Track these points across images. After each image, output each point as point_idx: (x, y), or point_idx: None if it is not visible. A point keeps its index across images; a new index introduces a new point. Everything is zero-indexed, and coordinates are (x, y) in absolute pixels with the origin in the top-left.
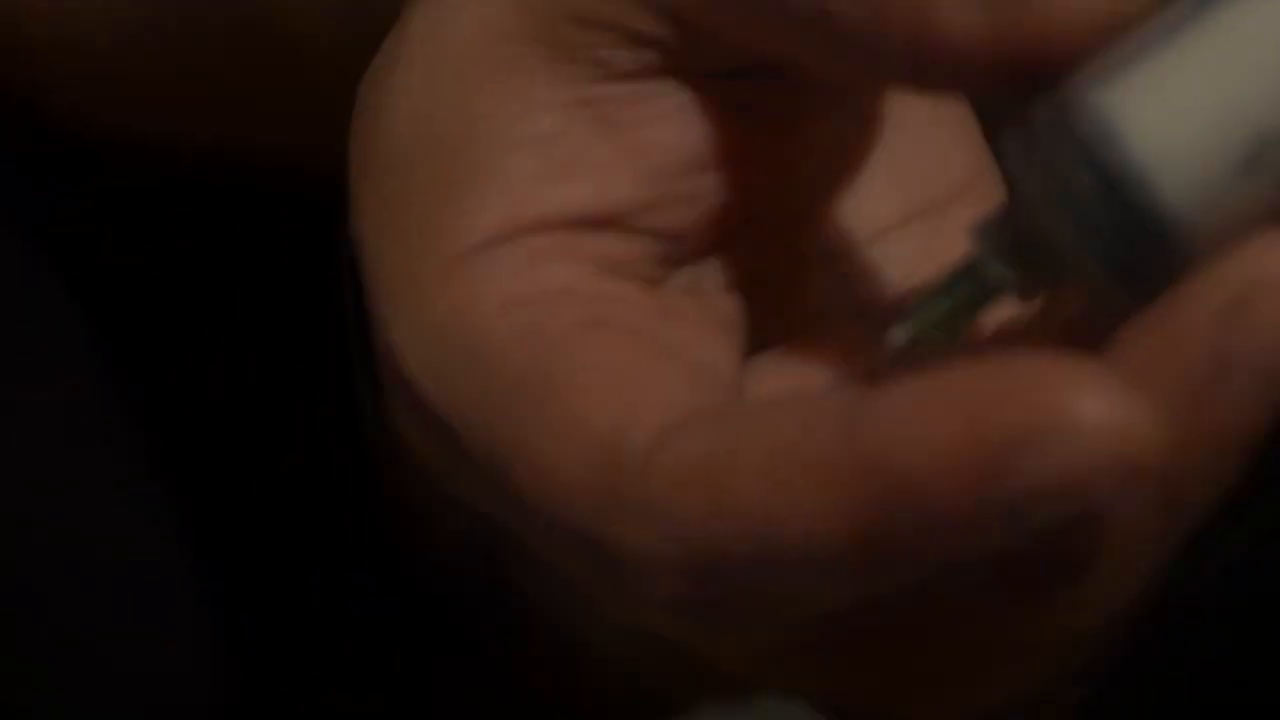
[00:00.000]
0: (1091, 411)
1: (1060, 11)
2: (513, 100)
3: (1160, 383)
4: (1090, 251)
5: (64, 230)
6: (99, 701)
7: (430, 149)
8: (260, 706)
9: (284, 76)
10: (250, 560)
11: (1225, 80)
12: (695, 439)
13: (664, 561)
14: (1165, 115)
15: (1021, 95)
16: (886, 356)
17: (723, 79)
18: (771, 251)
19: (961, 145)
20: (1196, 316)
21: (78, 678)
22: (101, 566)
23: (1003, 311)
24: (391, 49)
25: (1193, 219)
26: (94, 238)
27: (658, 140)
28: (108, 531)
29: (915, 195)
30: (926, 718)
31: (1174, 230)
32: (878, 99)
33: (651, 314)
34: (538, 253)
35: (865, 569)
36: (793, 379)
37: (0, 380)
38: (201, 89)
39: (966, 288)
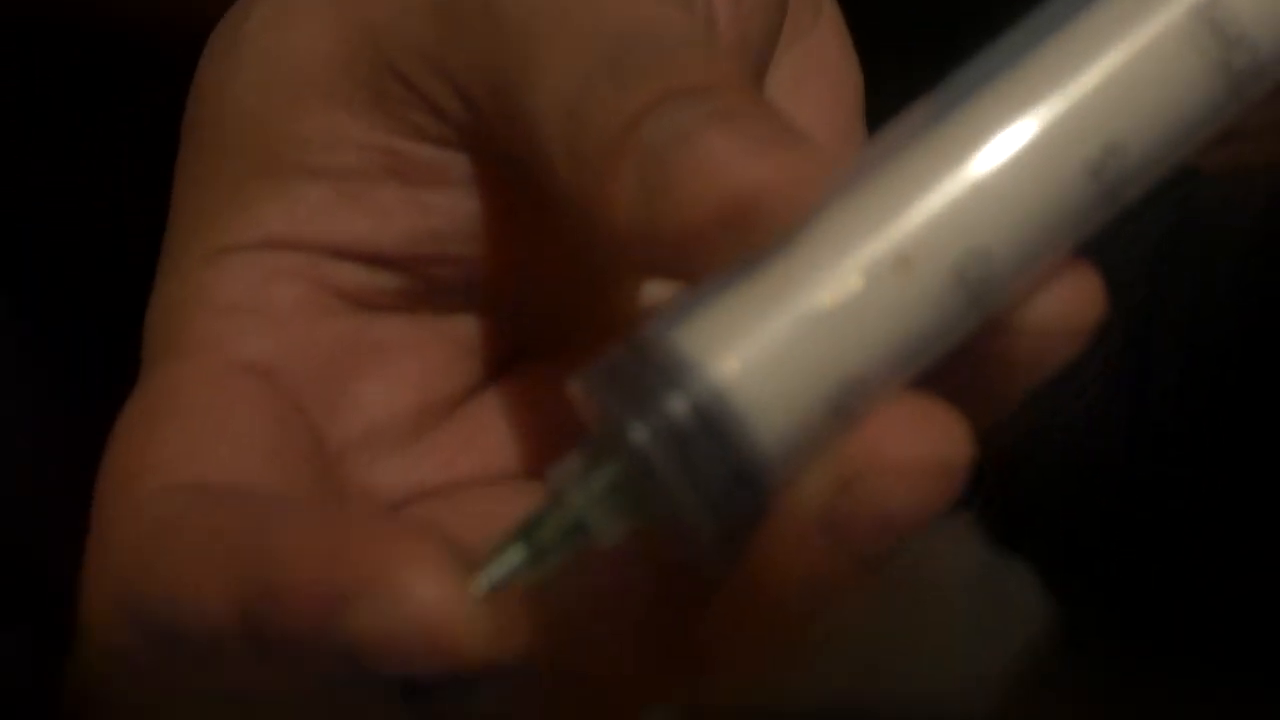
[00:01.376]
0: (412, 587)
1: (688, 197)
2: (328, 131)
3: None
4: (681, 494)
5: None
6: None
7: (245, 150)
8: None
9: None
10: None
11: (813, 327)
12: (169, 504)
13: (114, 610)
14: (761, 361)
15: (675, 277)
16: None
17: (510, 161)
18: (534, 282)
19: None
20: (811, 490)
21: None
22: None
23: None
24: (233, 31)
25: (782, 461)
26: None
27: (440, 204)
28: None
29: None
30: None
31: (765, 473)
32: None
33: (363, 345)
34: (280, 270)
35: (258, 646)
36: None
37: None
38: None
39: (548, 531)
